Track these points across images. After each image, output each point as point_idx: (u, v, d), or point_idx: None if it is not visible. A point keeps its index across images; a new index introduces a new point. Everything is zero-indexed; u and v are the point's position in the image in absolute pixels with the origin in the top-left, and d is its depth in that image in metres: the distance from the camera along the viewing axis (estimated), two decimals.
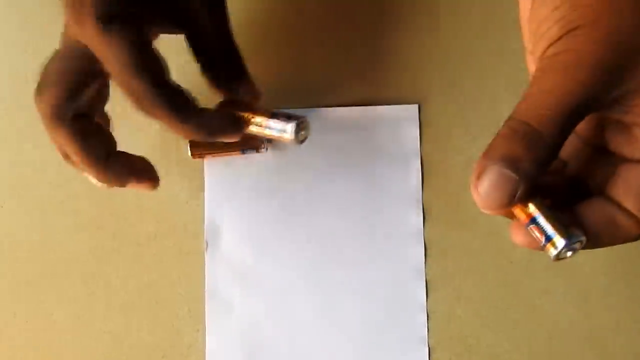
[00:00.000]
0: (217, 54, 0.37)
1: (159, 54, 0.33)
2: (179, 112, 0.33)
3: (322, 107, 0.44)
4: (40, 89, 0.33)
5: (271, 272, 0.43)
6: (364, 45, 0.44)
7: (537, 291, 0.42)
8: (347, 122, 0.43)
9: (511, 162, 0.26)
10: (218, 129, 0.35)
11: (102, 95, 0.36)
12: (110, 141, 0.37)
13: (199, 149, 0.42)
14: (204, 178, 0.43)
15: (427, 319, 0.42)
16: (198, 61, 0.36)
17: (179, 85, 0.33)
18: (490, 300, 0.43)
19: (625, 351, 0.42)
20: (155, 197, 0.43)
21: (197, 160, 0.43)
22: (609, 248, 0.41)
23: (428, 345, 0.42)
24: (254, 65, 0.38)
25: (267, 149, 0.42)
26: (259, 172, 0.43)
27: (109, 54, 0.31)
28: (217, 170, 0.43)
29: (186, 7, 0.35)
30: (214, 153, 0.43)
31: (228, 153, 0.42)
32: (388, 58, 0.44)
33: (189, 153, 0.42)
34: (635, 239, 0.30)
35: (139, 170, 0.37)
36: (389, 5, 0.44)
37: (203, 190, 0.43)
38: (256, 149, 0.42)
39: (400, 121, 0.43)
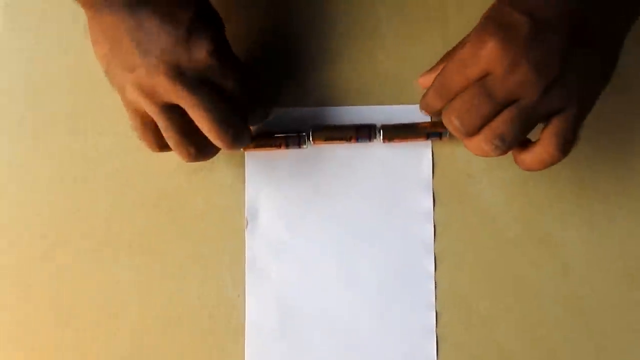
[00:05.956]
0: (253, 105, 0.43)
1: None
2: (235, 139, 0.40)
3: (343, 105, 0.46)
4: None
5: (302, 246, 0.45)
6: (382, 48, 0.46)
7: (526, 263, 0.45)
8: (367, 121, 0.45)
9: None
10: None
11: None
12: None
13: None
14: (245, 165, 0.46)
15: (435, 287, 0.45)
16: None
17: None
18: (487, 270, 0.45)
19: (598, 314, 0.44)
20: (204, 181, 0.46)
21: (240, 150, 0.45)
22: (588, 225, 0.43)
23: (435, 309, 0.45)
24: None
25: (308, 145, 0.45)
26: (293, 162, 0.45)
27: (199, 111, 0.38)
28: (256, 159, 0.46)
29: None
30: (264, 147, 0.45)
31: (276, 148, 0.45)
32: (404, 62, 0.46)
33: None
34: None
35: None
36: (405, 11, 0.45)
37: (244, 175, 0.46)
38: (299, 144, 0.45)
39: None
